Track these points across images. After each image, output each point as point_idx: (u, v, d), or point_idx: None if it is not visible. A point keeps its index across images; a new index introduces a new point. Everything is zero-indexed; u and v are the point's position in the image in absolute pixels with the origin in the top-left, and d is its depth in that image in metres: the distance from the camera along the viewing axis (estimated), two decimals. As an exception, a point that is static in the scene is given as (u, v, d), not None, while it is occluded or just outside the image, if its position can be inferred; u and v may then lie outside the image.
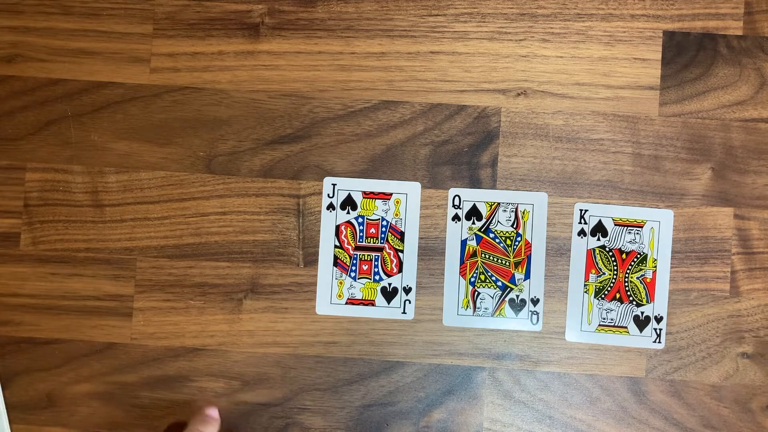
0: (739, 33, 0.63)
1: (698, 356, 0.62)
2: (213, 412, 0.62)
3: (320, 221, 0.63)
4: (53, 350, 0.63)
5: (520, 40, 0.63)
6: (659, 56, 0.63)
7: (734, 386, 0.62)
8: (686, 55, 0.63)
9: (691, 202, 0.63)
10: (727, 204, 0.63)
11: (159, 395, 0.63)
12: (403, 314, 0.62)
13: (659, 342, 0.62)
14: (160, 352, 0.63)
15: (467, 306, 0.62)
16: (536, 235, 0.62)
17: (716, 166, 0.63)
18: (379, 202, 0.63)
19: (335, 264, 0.62)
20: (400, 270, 0.62)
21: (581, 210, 0.63)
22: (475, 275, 0.62)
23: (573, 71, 0.63)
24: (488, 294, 0.62)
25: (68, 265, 0.63)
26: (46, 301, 0.63)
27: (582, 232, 0.62)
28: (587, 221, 0.62)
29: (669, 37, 0.63)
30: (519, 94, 0.63)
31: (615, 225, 0.62)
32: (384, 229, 0.62)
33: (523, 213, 0.63)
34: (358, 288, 0.62)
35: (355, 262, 0.62)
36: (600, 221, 0.62)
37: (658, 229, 0.62)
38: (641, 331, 0.62)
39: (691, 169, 0.63)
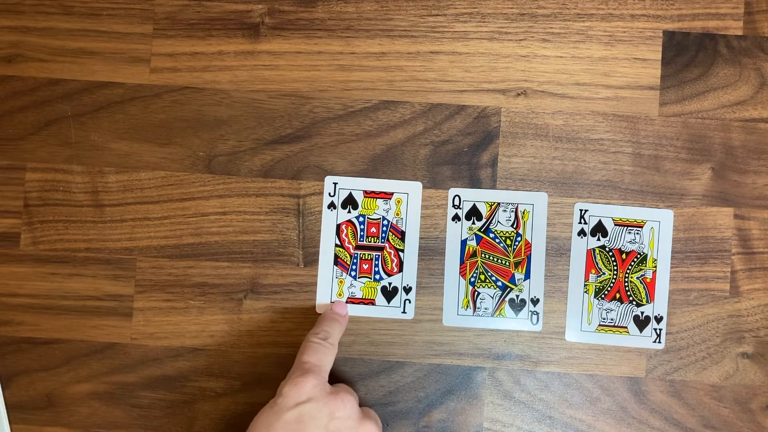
0: (739, 33, 0.63)
1: (698, 356, 0.62)
2: (340, 309, 0.61)
3: (320, 221, 0.63)
4: (53, 350, 0.63)
5: (520, 40, 0.63)
6: (659, 56, 0.63)
7: (734, 386, 0.62)
8: (686, 55, 0.63)
9: (691, 202, 0.63)
10: (727, 204, 0.63)
11: (159, 395, 0.63)
12: (403, 314, 0.62)
13: (659, 342, 0.62)
14: (160, 352, 0.63)
15: (467, 306, 0.62)
16: (536, 235, 0.62)
17: (716, 166, 0.63)
18: (380, 202, 0.63)
19: (336, 263, 0.63)
20: (400, 269, 0.62)
21: (581, 210, 0.63)
22: (475, 275, 0.62)
23: (573, 71, 0.63)
24: (488, 294, 0.62)
25: (68, 265, 0.63)
26: (46, 301, 0.63)
27: (582, 232, 0.63)
28: (587, 221, 0.62)
29: (669, 37, 0.63)
30: (519, 94, 0.63)
31: (615, 225, 0.62)
32: (385, 228, 0.63)
33: (523, 213, 0.63)
34: (359, 287, 0.62)
35: (355, 261, 0.62)
36: (600, 221, 0.62)
37: (658, 229, 0.62)
38: (641, 331, 0.62)
39: (691, 169, 0.63)
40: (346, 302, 0.62)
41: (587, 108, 0.63)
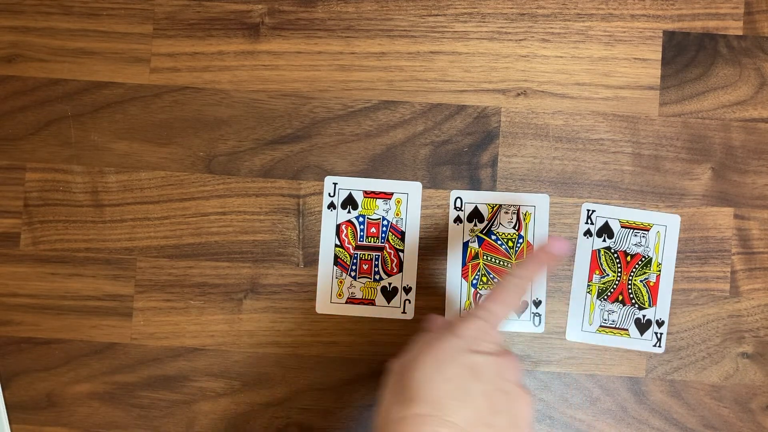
0: (739, 33, 0.63)
1: (698, 356, 0.62)
2: (559, 246, 0.52)
3: (320, 221, 0.63)
4: (53, 350, 0.63)
5: (520, 40, 0.63)
6: (659, 56, 0.63)
7: (734, 386, 0.62)
8: (686, 55, 0.63)
9: (691, 202, 0.63)
10: (727, 204, 0.63)
11: (159, 395, 0.63)
12: (403, 314, 0.62)
13: (659, 346, 0.62)
14: (160, 352, 0.63)
15: (469, 308, 0.62)
16: (538, 236, 0.62)
17: (716, 166, 0.63)
18: (380, 202, 0.63)
19: (335, 263, 0.62)
20: (400, 270, 0.62)
21: (588, 210, 0.62)
22: (477, 277, 0.62)
23: (573, 71, 0.63)
24: (489, 294, 0.62)
25: (68, 265, 0.63)
26: (46, 301, 0.63)
27: (588, 233, 0.62)
28: (594, 222, 0.62)
29: (669, 37, 0.63)
30: (519, 94, 0.63)
31: (621, 227, 0.62)
32: (384, 228, 0.62)
33: (525, 215, 0.62)
34: (358, 287, 0.62)
35: (355, 261, 0.62)
36: (607, 222, 0.62)
37: (664, 234, 0.62)
38: (642, 334, 0.62)
39: (691, 169, 0.63)
40: (346, 302, 0.62)
41: (587, 108, 0.63)
